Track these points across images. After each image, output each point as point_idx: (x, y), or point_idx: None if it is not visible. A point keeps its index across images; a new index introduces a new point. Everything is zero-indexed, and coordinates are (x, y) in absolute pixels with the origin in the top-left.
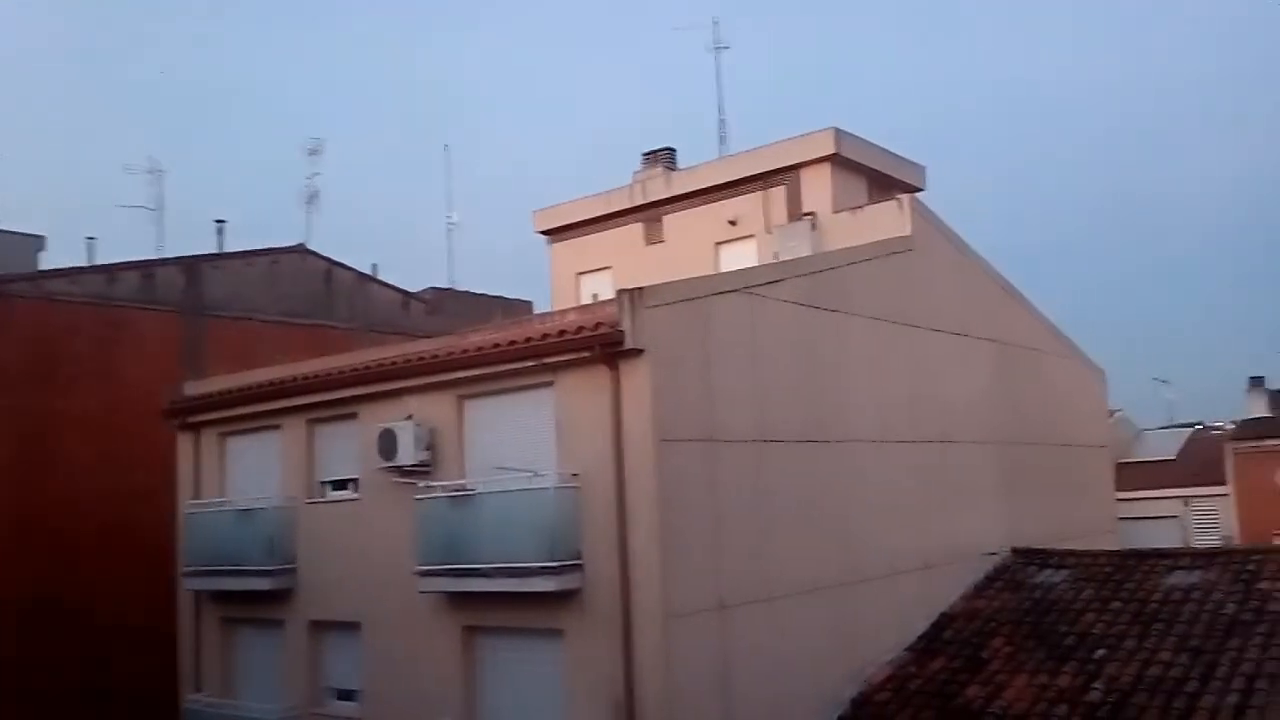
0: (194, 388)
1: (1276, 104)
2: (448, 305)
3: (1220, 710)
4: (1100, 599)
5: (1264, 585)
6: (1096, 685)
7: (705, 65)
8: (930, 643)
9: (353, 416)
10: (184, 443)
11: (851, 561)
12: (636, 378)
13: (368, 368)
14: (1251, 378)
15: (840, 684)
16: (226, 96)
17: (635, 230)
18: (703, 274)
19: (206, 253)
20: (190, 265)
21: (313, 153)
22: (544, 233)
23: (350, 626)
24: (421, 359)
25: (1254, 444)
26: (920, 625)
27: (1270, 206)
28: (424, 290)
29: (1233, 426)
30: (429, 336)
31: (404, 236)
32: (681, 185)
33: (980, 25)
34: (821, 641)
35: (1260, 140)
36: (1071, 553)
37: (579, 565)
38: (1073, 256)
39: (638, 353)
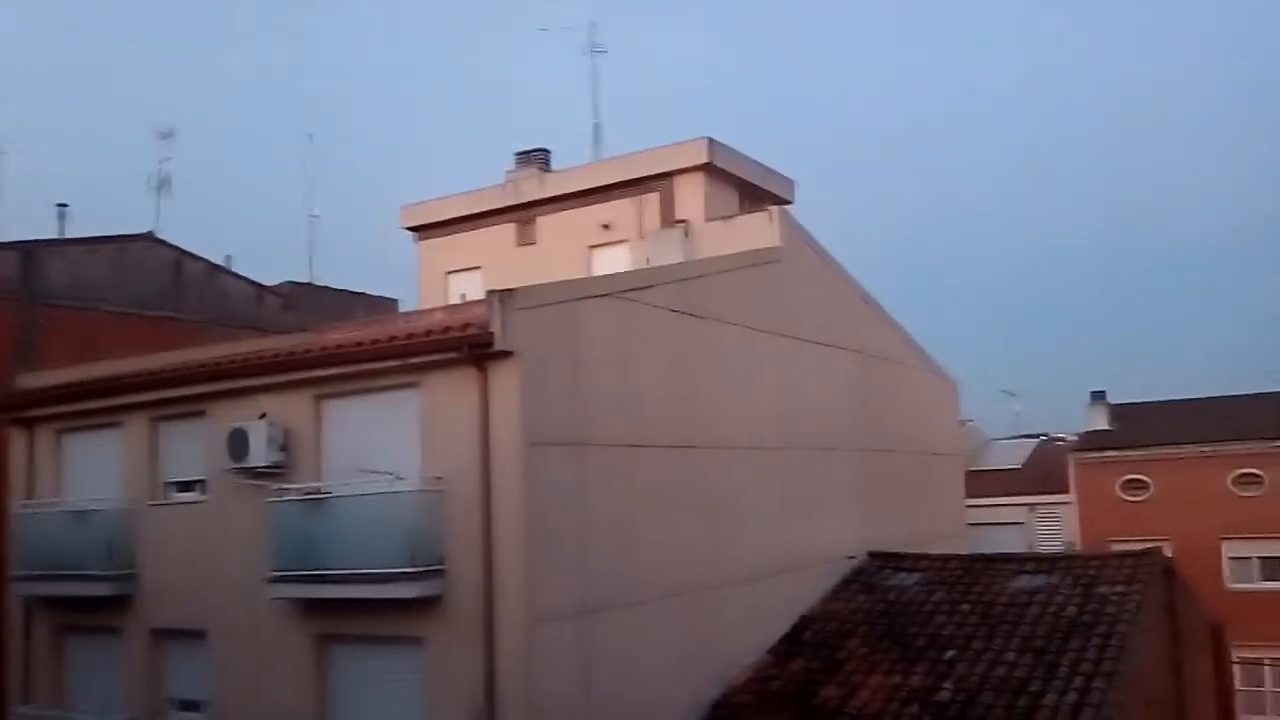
0: (28, 381)
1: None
2: (306, 301)
3: (1060, 708)
4: (950, 601)
5: (1102, 589)
6: (946, 685)
7: (582, 68)
8: (790, 644)
9: (201, 415)
10: (16, 439)
11: (717, 565)
12: (505, 380)
13: (218, 364)
14: (1093, 392)
15: (703, 687)
16: (81, 82)
17: (507, 231)
18: (575, 277)
19: (46, 238)
20: (27, 250)
21: (164, 136)
22: (411, 229)
23: (195, 635)
24: (276, 356)
25: (1095, 455)
26: (782, 627)
27: (1112, 228)
28: (281, 284)
29: (1075, 438)
30: (285, 333)
31: (262, 228)
32: (555, 187)
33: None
34: (685, 645)
35: (1101, 158)
36: (924, 556)
37: (441, 571)
38: (930, 270)
39: (507, 355)
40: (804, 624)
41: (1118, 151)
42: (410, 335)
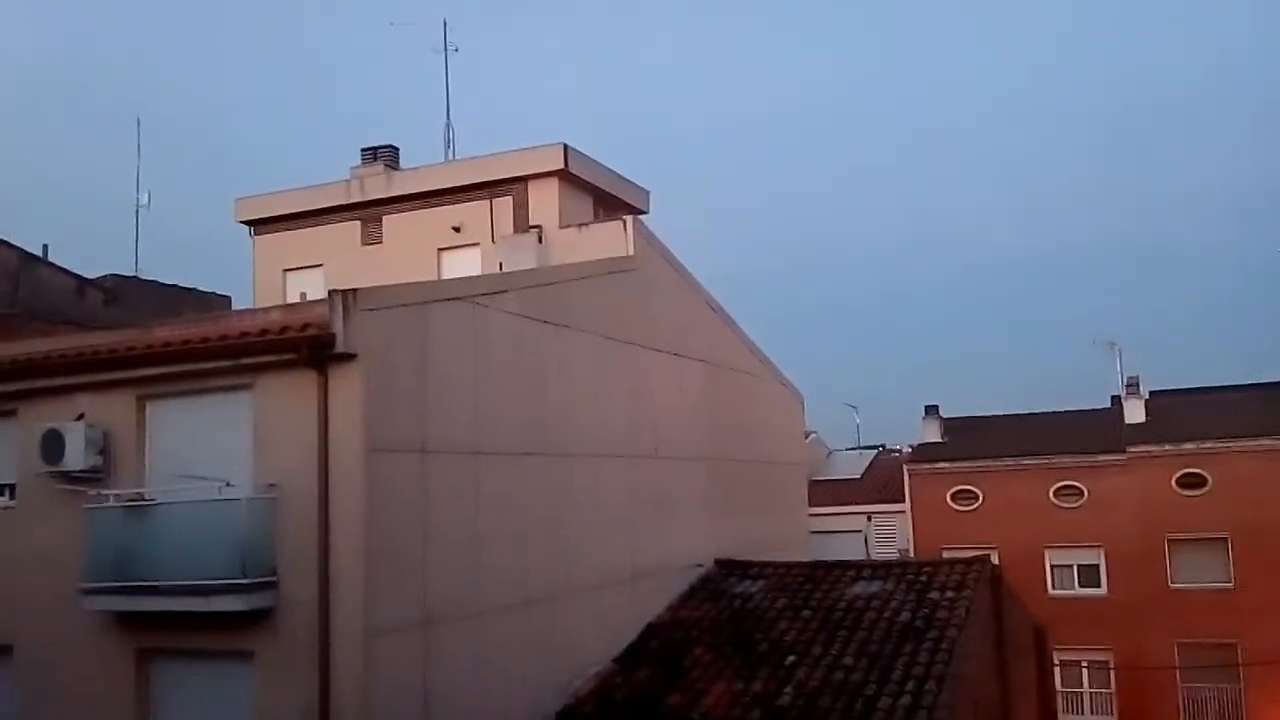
0: None
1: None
2: (131, 295)
3: (895, 711)
4: (792, 608)
5: (934, 595)
6: (787, 690)
7: (435, 66)
8: (636, 653)
9: (11, 414)
10: None
11: (564, 574)
12: (347, 384)
13: (31, 359)
14: (927, 406)
15: (548, 698)
16: None
17: (351, 229)
18: (423, 279)
19: None
20: None
21: None
22: (248, 224)
23: (1, 651)
24: (96, 353)
25: (928, 466)
26: (629, 636)
27: (951, 248)
28: (104, 277)
29: (910, 450)
30: (107, 328)
31: (84, 218)
32: (404, 186)
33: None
34: (531, 655)
35: (938, 181)
36: (769, 564)
37: (273, 583)
38: (775, 284)
39: (349, 357)
40: (650, 632)
41: (951, 166)
42: (243, 334)
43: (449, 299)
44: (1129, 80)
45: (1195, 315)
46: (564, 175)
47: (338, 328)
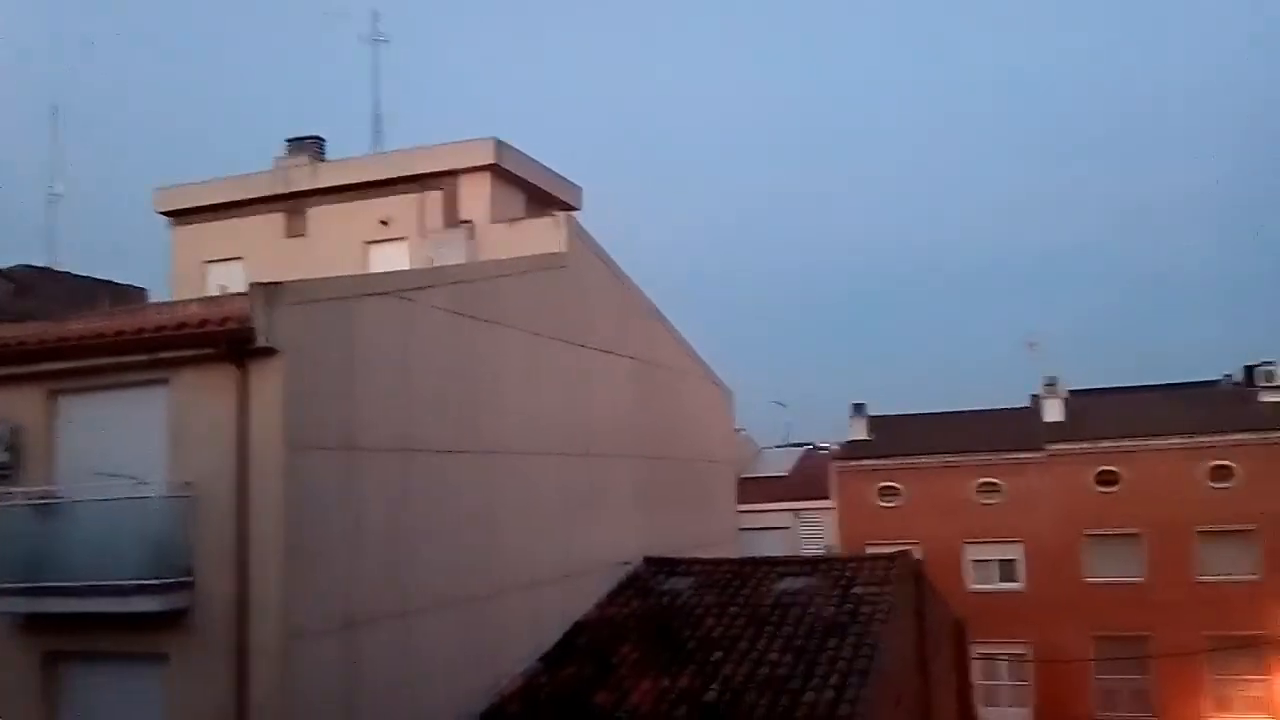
0: None
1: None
2: (43, 287)
3: (819, 704)
4: (720, 604)
5: (859, 590)
6: (714, 685)
7: (364, 56)
8: (563, 651)
9: None
10: None
11: (492, 573)
12: (268, 380)
13: None
14: (854, 404)
15: (475, 698)
16: None
17: (275, 221)
18: (350, 273)
19: None
20: None
21: None
22: (166, 214)
23: None
24: (5, 346)
25: (854, 463)
26: (556, 634)
27: (879, 249)
28: (14, 268)
29: (837, 447)
30: (17, 321)
31: None
32: (330, 177)
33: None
34: (458, 655)
35: (878, 193)
36: (697, 561)
37: (188, 583)
38: (706, 282)
39: (271, 352)
40: (578, 630)
41: (886, 174)
42: (160, 328)
43: (376, 294)
44: (1059, 90)
45: (1112, 317)
46: (496, 170)
47: (259, 322)
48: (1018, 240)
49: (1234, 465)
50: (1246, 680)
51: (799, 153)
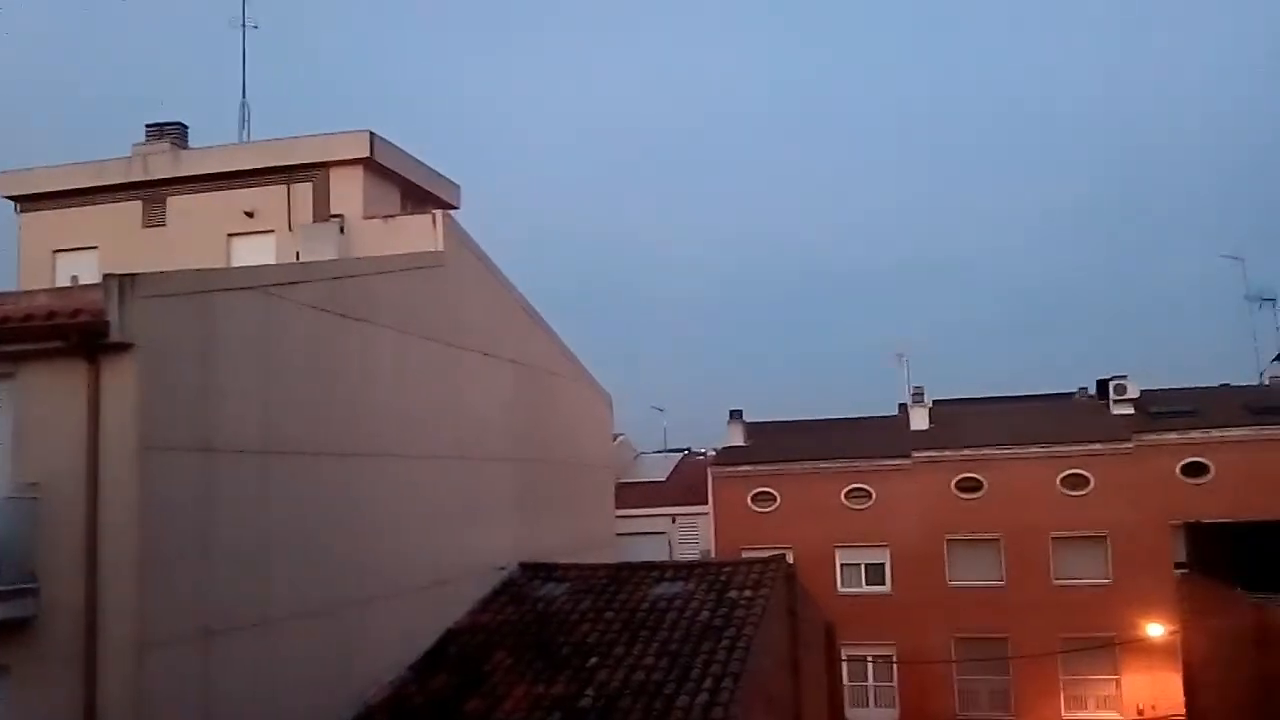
0: None
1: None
2: None
3: (693, 709)
4: (595, 610)
5: (733, 594)
6: (588, 691)
7: (231, 42)
8: (435, 659)
9: None
10: None
11: (360, 580)
12: (121, 376)
13: None
14: (732, 411)
15: (340, 708)
16: None
17: (131, 209)
18: (211, 266)
19: None
20: None
21: None
22: (12, 199)
23: None
24: None
25: (731, 469)
26: (428, 642)
27: (761, 258)
28: None
29: (715, 453)
30: None
31: None
32: (192, 166)
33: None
34: (323, 665)
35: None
36: (574, 566)
37: (33, 589)
38: (584, 286)
39: (125, 347)
40: (450, 638)
41: (762, 182)
42: (4, 319)
43: (239, 288)
44: (936, 102)
45: (977, 329)
46: (369, 164)
47: (113, 315)
48: (891, 252)
49: (1087, 474)
50: (1098, 680)
51: (677, 155)
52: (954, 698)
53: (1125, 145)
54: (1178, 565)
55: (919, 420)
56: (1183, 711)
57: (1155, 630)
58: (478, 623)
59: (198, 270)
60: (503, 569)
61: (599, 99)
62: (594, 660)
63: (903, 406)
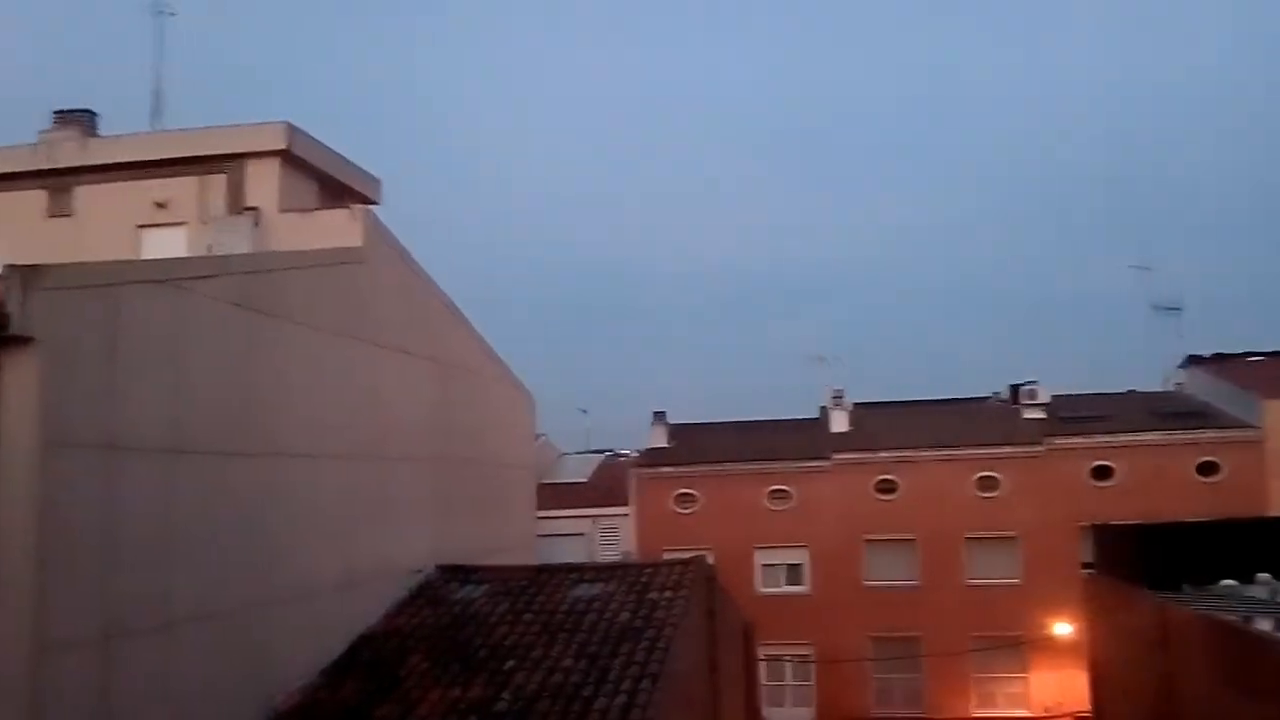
0: None
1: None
2: None
3: (610, 711)
4: (514, 612)
5: (653, 595)
6: (505, 694)
7: (145, 29)
8: (347, 664)
9: None
10: None
11: (270, 583)
12: (21, 371)
13: None
14: (655, 412)
15: (247, 715)
16: None
17: (36, 198)
18: (119, 258)
19: None
20: None
21: None
22: None
23: None
24: None
25: (653, 470)
26: (340, 647)
27: (683, 261)
28: None
29: (637, 454)
30: None
31: None
32: (101, 154)
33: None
34: (230, 670)
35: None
36: (492, 568)
37: None
38: (510, 289)
39: (26, 341)
40: (363, 642)
41: (688, 184)
42: None
43: (148, 281)
44: (852, 111)
45: (896, 333)
46: (287, 156)
47: (14, 307)
48: (815, 258)
49: (999, 476)
50: (1008, 678)
51: (600, 157)
52: (869, 696)
53: (1043, 157)
54: (1084, 566)
55: (839, 423)
56: (1088, 709)
57: (1062, 629)
58: (392, 626)
59: (105, 262)
60: (419, 571)
61: (523, 95)
62: (511, 663)
63: (823, 409)
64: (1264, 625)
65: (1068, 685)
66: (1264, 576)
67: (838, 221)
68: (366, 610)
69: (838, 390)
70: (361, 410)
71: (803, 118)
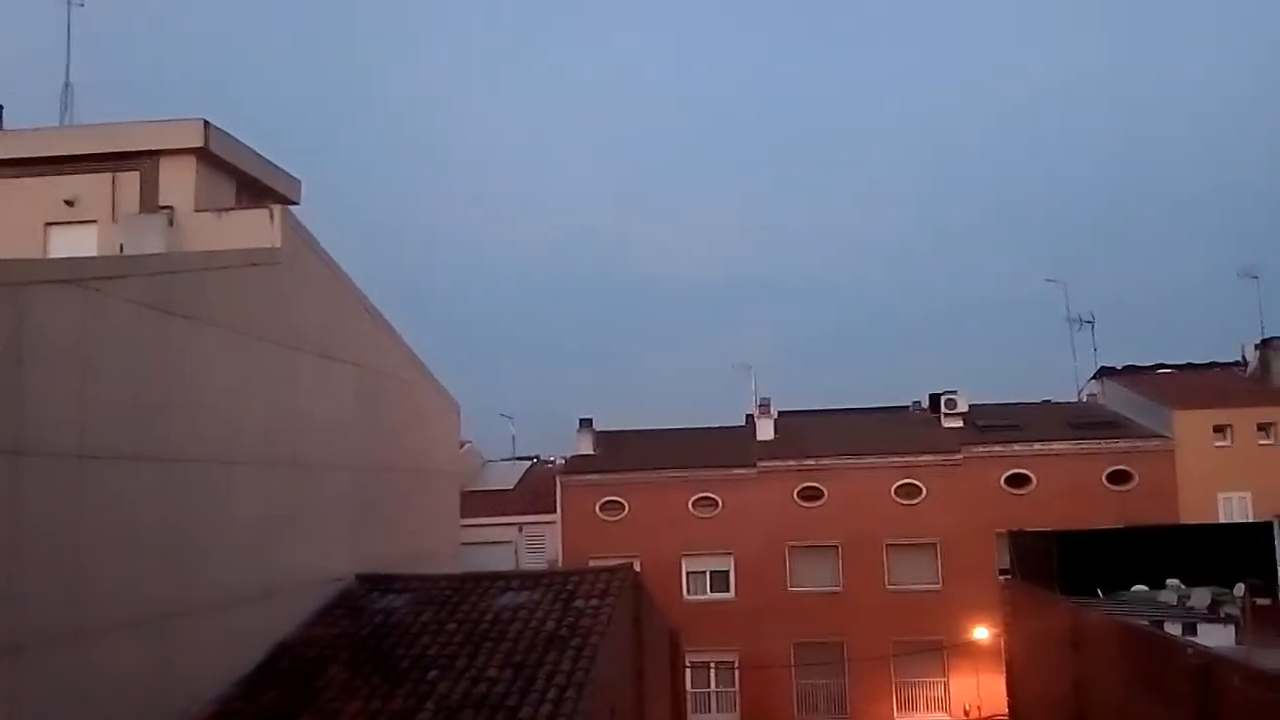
0: None
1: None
2: None
3: (536, 719)
4: (438, 621)
5: (579, 603)
6: (428, 704)
7: (57, 18)
8: (265, 675)
9: None
10: None
11: (184, 592)
12: None
13: None
14: (581, 419)
15: None
16: None
17: None
18: (26, 256)
19: None
20: None
21: None
22: None
23: None
24: None
25: (579, 477)
26: (257, 657)
27: (613, 268)
28: None
29: (564, 461)
30: None
31: None
32: (6, 149)
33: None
34: (142, 681)
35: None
36: (415, 577)
37: None
38: (436, 295)
39: None
40: (282, 652)
41: (615, 189)
42: None
43: (56, 281)
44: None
45: (822, 342)
46: (203, 154)
47: None
48: (740, 268)
49: (920, 484)
50: (928, 682)
51: (549, 167)
52: (792, 701)
53: (978, 170)
54: (1002, 571)
55: (765, 430)
56: (1005, 711)
57: (981, 633)
58: (312, 636)
59: (11, 261)
60: (339, 580)
61: (460, 95)
62: (435, 673)
63: (750, 417)
64: (1173, 629)
65: (986, 688)
66: (1173, 582)
67: (777, 231)
68: (285, 620)
69: (764, 398)
70: (280, 416)
71: (742, 128)
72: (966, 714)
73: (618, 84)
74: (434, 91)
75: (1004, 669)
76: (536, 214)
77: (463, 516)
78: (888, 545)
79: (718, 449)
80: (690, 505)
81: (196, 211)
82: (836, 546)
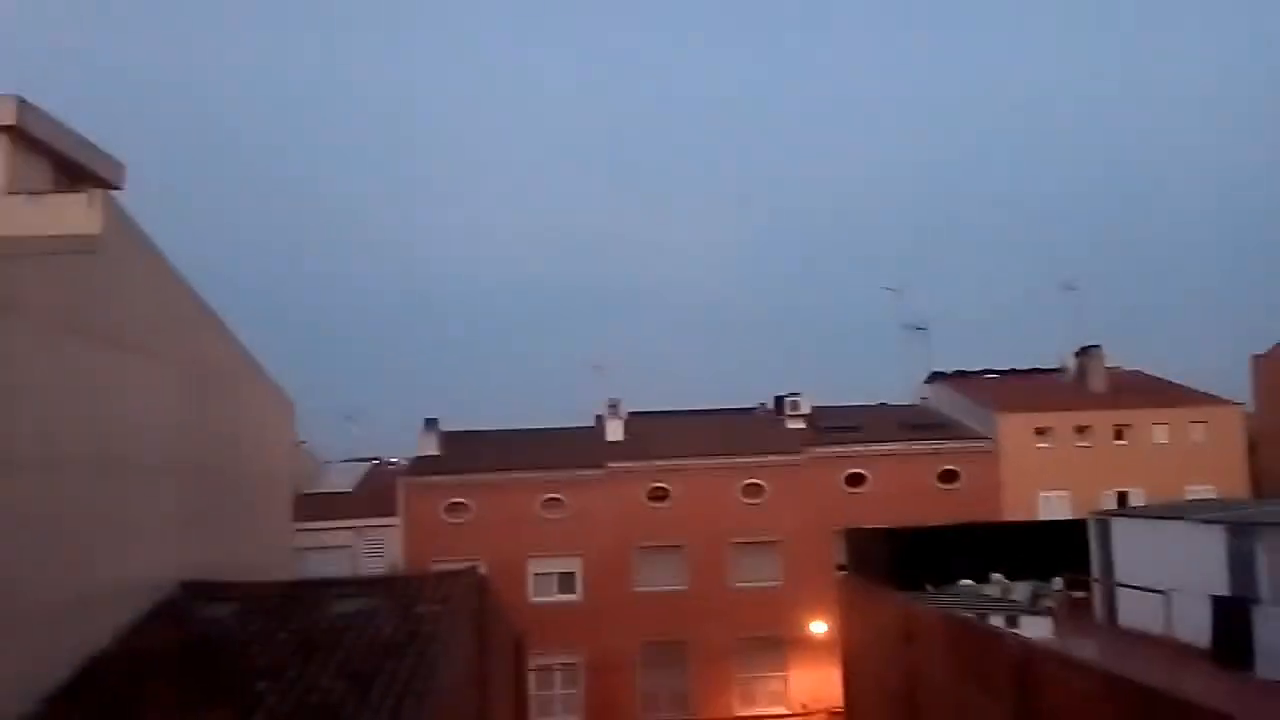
0: None
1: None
2: None
3: None
4: (268, 631)
5: (420, 609)
6: (256, 717)
7: None
8: (74, 691)
9: None
10: None
11: None
12: None
13: None
14: (427, 419)
15: None
16: None
17: None
18: None
19: None
20: None
21: None
22: None
23: None
24: None
25: (423, 479)
26: (66, 672)
27: (454, 271)
28: None
29: (407, 462)
30: None
31: None
32: None
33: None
34: None
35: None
36: (242, 585)
37: None
38: (277, 292)
39: None
40: (94, 666)
41: (468, 189)
42: None
43: None
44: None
45: (672, 346)
46: (16, 133)
47: None
48: (591, 272)
49: (763, 484)
50: (768, 677)
51: (380, 156)
52: (637, 701)
53: (830, 182)
54: (839, 568)
55: (614, 431)
56: (841, 704)
57: (818, 628)
58: (129, 648)
59: None
60: (162, 589)
61: (328, 93)
62: (263, 685)
63: (599, 418)
64: (996, 621)
65: (824, 682)
66: (997, 576)
67: (637, 237)
68: (98, 631)
69: (614, 399)
70: (93, 415)
71: (615, 132)
72: (804, 707)
73: (498, 93)
74: (312, 86)
75: (840, 662)
76: (392, 213)
77: (298, 520)
78: (732, 544)
79: (567, 450)
80: (538, 506)
81: (8, 194)
82: (683, 546)
